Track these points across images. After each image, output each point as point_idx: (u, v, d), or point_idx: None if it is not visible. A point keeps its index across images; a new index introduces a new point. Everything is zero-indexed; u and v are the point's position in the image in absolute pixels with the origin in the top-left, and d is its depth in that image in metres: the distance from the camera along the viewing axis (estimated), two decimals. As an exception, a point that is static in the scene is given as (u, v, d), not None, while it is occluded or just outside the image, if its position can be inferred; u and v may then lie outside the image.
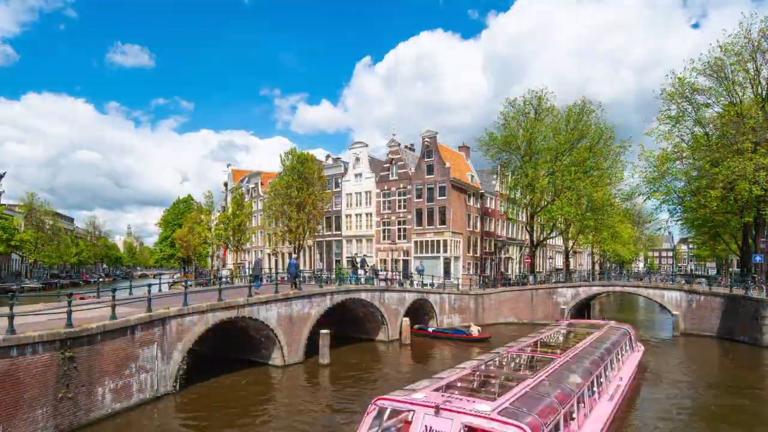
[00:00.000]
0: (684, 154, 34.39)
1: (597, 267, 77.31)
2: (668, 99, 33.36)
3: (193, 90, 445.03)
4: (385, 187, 49.85)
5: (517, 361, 14.43)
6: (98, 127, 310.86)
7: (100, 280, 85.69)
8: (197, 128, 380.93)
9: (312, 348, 22.60)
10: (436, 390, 10.12)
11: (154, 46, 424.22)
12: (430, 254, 45.93)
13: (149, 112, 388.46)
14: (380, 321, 28.52)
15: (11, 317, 12.13)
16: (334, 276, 32.07)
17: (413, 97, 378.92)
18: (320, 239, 54.04)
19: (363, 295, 26.81)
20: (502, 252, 56.62)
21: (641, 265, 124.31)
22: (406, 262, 47.35)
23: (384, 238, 49.76)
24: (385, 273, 36.93)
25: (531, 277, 41.34)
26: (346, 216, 53.00)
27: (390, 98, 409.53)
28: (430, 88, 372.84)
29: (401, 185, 48.76)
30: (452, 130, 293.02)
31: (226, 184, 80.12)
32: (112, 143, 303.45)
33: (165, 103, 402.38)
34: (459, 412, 8.55)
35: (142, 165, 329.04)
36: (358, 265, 33.78)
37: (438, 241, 45.61)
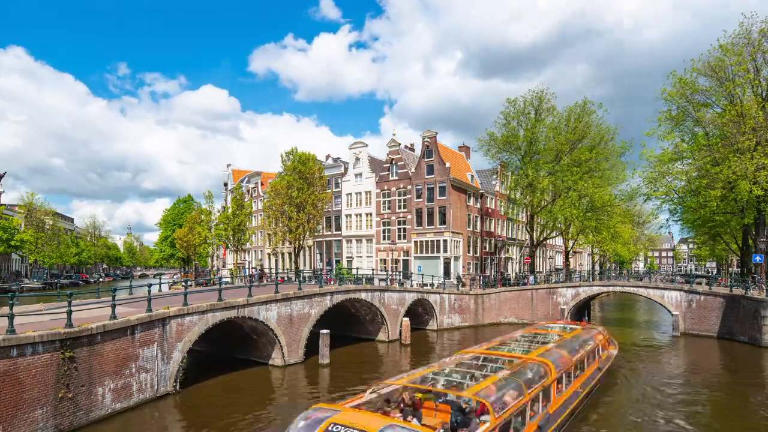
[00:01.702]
0: (684, 154, 34.40)
1: (597, 267, 77.41)
2: (669, 99, 33.38)
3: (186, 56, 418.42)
4: (385, 187, 49.84)
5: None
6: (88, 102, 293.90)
7: (100, 280, 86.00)
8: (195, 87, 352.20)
9: (312, 348, 22.61)
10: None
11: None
12: (430, 254, 45.92)
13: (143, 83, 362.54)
14: (380, 321, 28.52)
15: (11, 317, 12.12)
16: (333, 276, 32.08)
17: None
18: (320, 239, 54.04)
19: (363, 295, 26.81)
20: (502, 252, 56.60)
21: (641, 265, 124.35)
22: (406, 262, 47.36)
23: (384, 238, 49.75)
24: None
25: (531, 277, 41.35)
26: (346, 216, 53.00)
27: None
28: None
29: (401, 185, 48.75)
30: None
31: (226, 184, 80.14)
32: (106, 119, 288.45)
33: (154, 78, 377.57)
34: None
35: (136, 142, 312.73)
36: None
37: (438, 241, 45.59)
